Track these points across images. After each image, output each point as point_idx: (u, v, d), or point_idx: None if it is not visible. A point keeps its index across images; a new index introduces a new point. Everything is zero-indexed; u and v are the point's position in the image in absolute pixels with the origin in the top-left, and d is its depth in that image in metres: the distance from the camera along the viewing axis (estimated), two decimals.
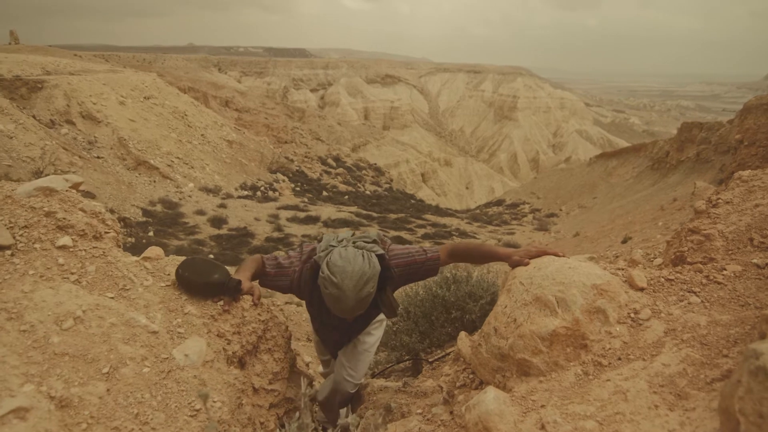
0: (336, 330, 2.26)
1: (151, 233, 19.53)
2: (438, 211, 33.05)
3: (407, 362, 4.55)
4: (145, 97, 32.37)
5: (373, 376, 4.47)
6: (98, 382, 1.26)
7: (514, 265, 1.72)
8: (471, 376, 1.57)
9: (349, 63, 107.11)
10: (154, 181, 25.68)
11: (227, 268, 2.04)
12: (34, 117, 24.04)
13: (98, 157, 24.78)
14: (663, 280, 1.37)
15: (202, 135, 32.58)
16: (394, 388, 2.14)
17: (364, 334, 2.40)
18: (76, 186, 1.79)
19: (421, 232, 24.40)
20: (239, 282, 1.81)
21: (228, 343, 1.64)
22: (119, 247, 1.76)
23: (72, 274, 1.48)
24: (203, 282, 1.71)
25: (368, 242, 1.95)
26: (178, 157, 28.36)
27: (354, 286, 1.73)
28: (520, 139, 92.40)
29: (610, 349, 1.20)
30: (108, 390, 1.26)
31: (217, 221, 20.91)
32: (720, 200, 1.65)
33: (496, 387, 1.32)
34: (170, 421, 1.29)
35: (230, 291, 1.76)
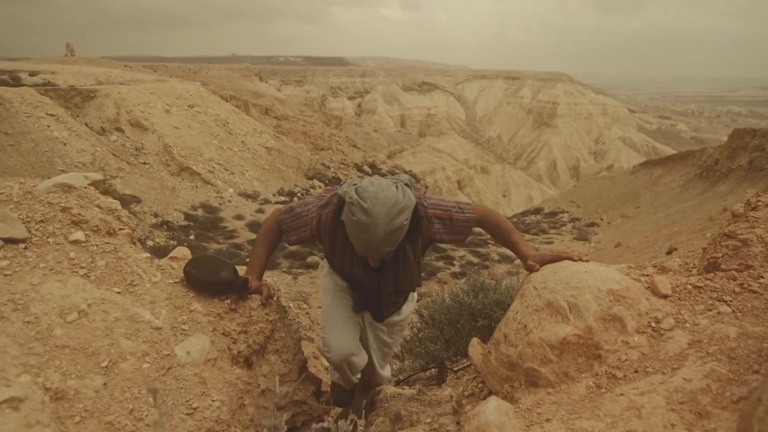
0: (368, 282, 1.98)
1: (192, 237, 20.17)
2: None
3: (432, 371, 4.47)
4: (189, 106, 33.53)
5: (397, 383, 4.41)
6: (96, 376, 1.26)
7: (528, 270, 1.63)
8: (480, 385, 1.49)
9: (386, 71, 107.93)
10: (196, 187, 26.52)
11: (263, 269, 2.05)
12: (86, 125, 25.34)
13: (144, 163, 25.85)
14: (690, 287, 1.25)
15: (242, 142, 33.45)
16: (407, 396, 2.07)
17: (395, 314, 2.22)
18: (96, 183, 1.83)
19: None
20: (246, 280, 1.78)
21: (234, 342, 1.63)
22: (134, 243, 1.78)
23: (81, 268, 1.51)
24: (210, 280, 1.70)
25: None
26: (219, 163, 29.20)
27: (386, 214, 1.52)
28: (560, 147, 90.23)
29: (626, 360, 1.10)
30: (105, 384, 1.27)
31: (255, 226, 21.36)
32: (760, 203, 1.50)
33: (503, 397, 1.24)
34: (166, 418, 1.28)
35: (237, 289, 1.74)
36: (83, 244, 1.56)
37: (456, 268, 18.08)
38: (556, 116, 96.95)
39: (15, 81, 26.31)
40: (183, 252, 2.49)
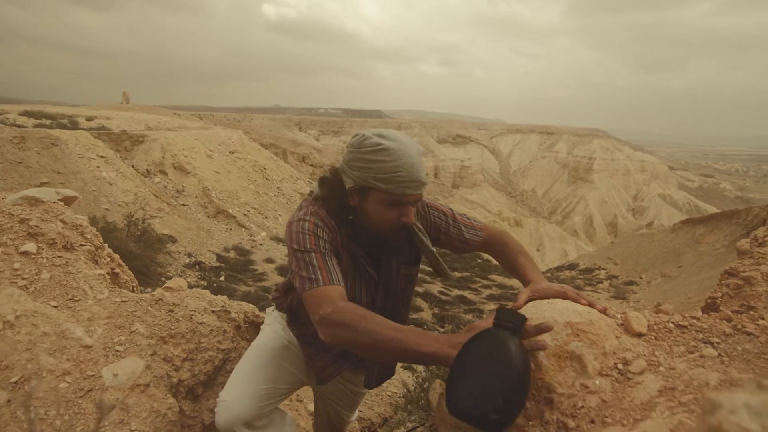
0: (373, 283, 1.56)
1: (222, 278, 20.41)
2: (505, 272, 31.75)
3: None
4: (230, 152, 34.97)
5: None
6: (1, 391, 1.17)
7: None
8: None
9: (421, 123, 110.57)
10: (230, 229, 27.14)
11: None
12: (133, 167, 26.71)
13: (183, 205, 26.81)
14: (672, 325, 1.06)
15: (278, 187, 34.38)
16: None
17: None
18: (68, 200, 1.81)
19: (486, 292, 23.45)
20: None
21: (175, 370, 1.50)
22: (94, 261, 1.73)
23: (23, 279, 1.45)
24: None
25: None
26: (254, 207, 29.95)
27: (411, 142, 1.37)
28: (597, 202, 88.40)
29: (582, 407, 0.91)
30: (9, 401, 1.16)
31: (284, 270, 21.48)
32: None
33: None
34: None
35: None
36: (32, 256, 1.52)
37: None
38: (592, 171, 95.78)
39: (73, 125, 28.27)
40: (179, 283, 2.43)
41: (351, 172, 1.39)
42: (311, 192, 1.53)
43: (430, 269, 1.70)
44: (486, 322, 1.16)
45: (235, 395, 1.48)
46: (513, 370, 0.90)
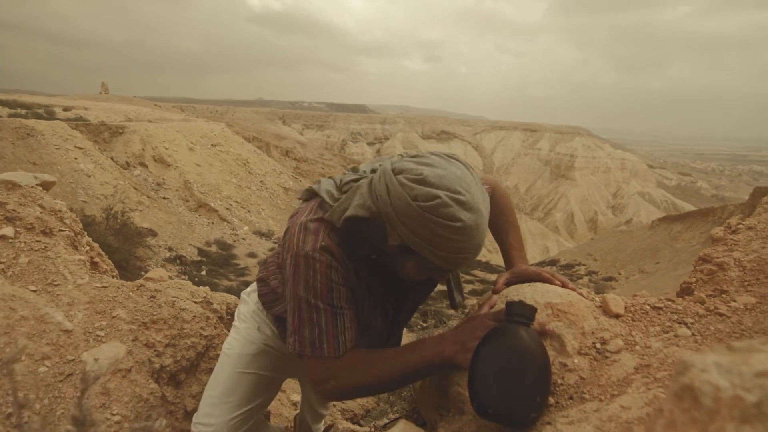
0: (391, 310, 1.35)
1: (203, 272, 20.18)
2: (487, 267, 32.09)
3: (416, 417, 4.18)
4: (212, 145, 34.43)
5: (384, 426, 4.18)
6: None
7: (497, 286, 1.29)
8: (415, 415, 1.32)
9: (406, 119, 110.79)
10: (212, 223, 26.79)
11: None
12: (112, 159, 26.14)
13: (164, 198, 26.38)
14: (648, 307, 1.10)
15: (261, 181, 34.03)
16: None
17: None
18: (47, 185, 1.78)
19: (468, 287, 23.66)
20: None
21: (157, 355, 1.49)
22: (74, 247, 1.70)
23: (1, 263, 1.43)
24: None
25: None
26: (236, 201, 29.60)
27: (481, 195, 1.04)
28: (578, 199, 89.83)
29: (561, 385, 0.94)
30: None
31: None
32: (742, 226, 1.35)
33: (430, 426, 1.08)
34: (49, 428, 1.14)
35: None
36: (10, 240, 1.49)
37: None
38: (573, 169, 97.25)
39: (49, 115, 27.52)
40: (159, 273, 2.40)
41: (400, 227, 1.05)
42: (309, 191, 1.25)
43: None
44: (482, 312, 1.16)
45: (208, 425, 1.36)
46: (543, 366, 0.90)
